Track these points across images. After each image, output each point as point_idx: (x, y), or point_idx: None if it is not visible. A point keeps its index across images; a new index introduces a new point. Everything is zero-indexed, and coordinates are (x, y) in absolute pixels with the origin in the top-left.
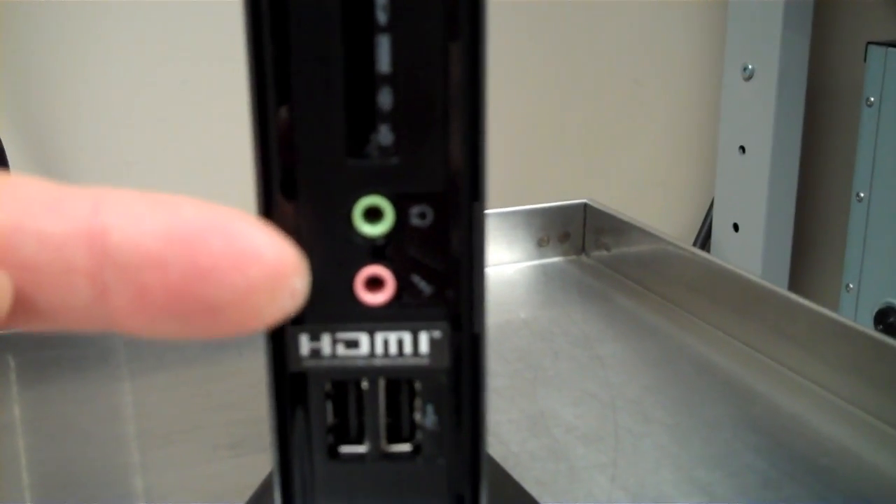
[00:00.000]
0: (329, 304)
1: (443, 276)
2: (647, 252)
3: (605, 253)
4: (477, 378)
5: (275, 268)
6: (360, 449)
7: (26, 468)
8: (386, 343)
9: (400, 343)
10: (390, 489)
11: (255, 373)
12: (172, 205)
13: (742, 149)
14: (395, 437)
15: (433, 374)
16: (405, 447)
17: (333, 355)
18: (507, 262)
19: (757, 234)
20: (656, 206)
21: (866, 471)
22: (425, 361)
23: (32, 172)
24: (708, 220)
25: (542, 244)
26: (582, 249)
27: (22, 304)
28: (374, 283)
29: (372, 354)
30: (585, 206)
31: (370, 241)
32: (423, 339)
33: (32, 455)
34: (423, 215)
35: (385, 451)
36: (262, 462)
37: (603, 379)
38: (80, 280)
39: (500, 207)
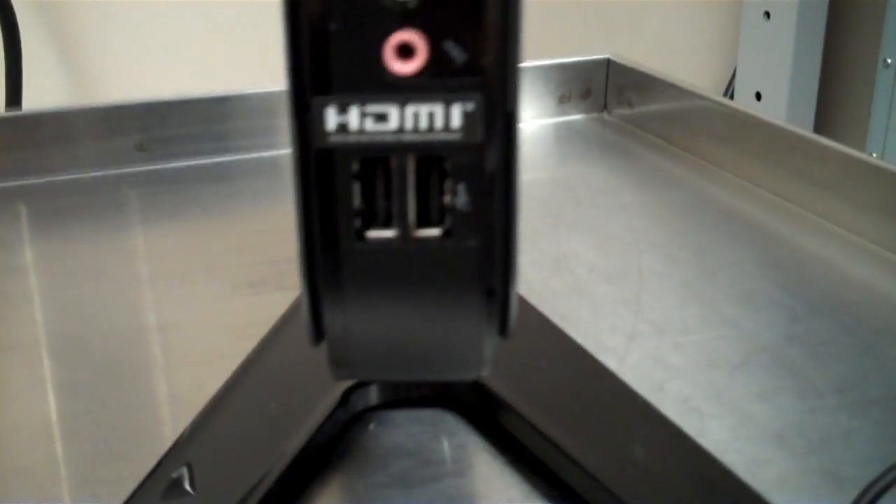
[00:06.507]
0: (357, 74)
1: (477, 41)
2: (671, 107)
3: (627, 110)
4: (510, 157)
5: None
6: (389, 233)
7: (39, 307)
8: (416, 116)
9: (431, 116)
10: (419, 276)
11: (272, 220)
12: None
13: (767, 14)
14: (424, 223)
15: (465, 151)
16: (435, 231)
17: (361, 130)
18: (525, 118)
19: (780, 103)
20: (677, 75)
21: (894, 306)
22: (457, 136)
23: (45, 44)
24: (730, 90)
25: (563, 101)
26: (604, 107)
27: None
28: (405, 51)
29: (401, 129)
30: (608, 61)
31: (401, 4)
32: (456, 111)
33: (46, 293)
34: None
35: (414, 236)
36: (283, 299)
37: (626, 224)
38: None
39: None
